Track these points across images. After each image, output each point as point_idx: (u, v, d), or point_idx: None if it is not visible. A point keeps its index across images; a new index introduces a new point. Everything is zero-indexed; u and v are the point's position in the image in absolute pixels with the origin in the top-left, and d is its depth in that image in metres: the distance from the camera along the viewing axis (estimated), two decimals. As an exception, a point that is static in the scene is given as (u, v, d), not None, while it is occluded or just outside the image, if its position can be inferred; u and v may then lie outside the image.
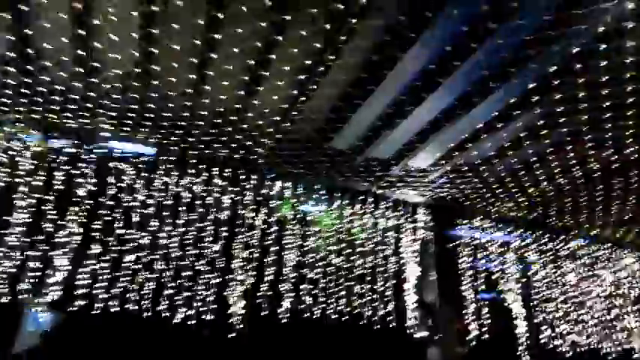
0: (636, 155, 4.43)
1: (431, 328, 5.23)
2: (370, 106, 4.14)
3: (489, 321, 5.37)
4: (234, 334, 4.52)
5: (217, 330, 4.60)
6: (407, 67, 3.57)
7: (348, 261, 5.22)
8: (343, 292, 5.07)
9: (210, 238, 4.75)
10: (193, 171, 5.06)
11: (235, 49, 3.25)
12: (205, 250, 4.64)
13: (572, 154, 4.49)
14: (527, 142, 4.40)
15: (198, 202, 4.92)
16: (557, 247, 6.33)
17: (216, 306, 4.55)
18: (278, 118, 4.17)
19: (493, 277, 5.73)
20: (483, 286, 5.55)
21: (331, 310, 4.98)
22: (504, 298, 5.70)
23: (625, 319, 6.28)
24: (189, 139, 4.58)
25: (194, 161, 5.03)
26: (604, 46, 3.20)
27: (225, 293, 4.63)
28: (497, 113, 4.16)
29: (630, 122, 3.93)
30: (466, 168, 5.10)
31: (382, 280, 5.23)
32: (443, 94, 4.01)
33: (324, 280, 5.04)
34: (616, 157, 4.49)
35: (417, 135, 4.68)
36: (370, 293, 5.12)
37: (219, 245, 4.74)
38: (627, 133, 4.07)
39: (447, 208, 5.82)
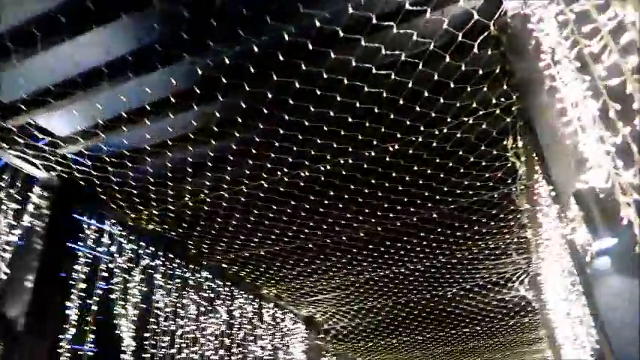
0: (282, 188, 4.39)
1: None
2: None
3: (91, 354, 4.09)
4: None
5: None
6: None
7: None
8: None
9: None
10: None
11: None
12: None
13: (245, 164, 4.06)
14: (209, 136, 3.74)
15: None
16: (186, 276, 5.73)
17: None
18: None
19: (111, 296, 4.54)
20: (95, 307, 4.27)
21: None
22: (118, 325, 4.54)
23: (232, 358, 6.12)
24: None
25: None
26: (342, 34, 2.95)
27: None
28: (177, 88, 3.40)
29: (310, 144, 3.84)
30: (118, 152, 4.00)
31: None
32: (109, 35, 3.02)
33: None
34: (266, 184, 4.33)
35: (60, 86, 3.41)
36: None
37: None
38: (303, 150, 3.94)
39: (74, 198, 4.39)
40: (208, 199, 4.62)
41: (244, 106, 3.43)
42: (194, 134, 3.78)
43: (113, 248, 4.70)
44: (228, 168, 4.13)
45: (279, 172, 4.25)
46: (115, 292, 4.64)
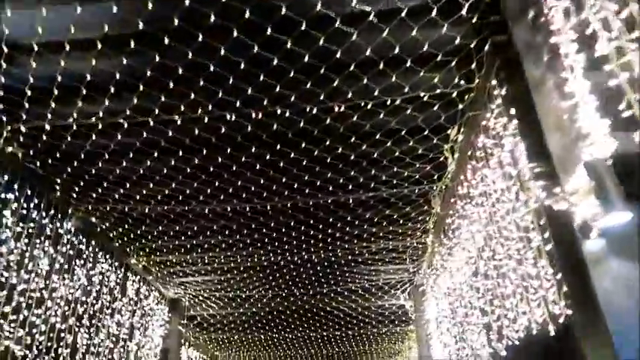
0: (198, 130, 3.74)
1: None
2: None
3: None
4: None
5: None
6: None
7: None
8: None
9: None
10: None
11: None
12: None
13: (165, 87, 3.33)
14: (130, 38, 2.98)
15: None
16: (44, 222, 4.66)
17: None
18: None
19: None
20: None
21: None
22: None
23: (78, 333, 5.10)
24: None
25: None
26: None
27: None
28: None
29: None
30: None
31: None
32: None
33: None
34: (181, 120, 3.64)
35: None
36: None
37: None
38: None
39: None
40: (101, 126, 3.74)
41: (187, 3, 2.75)
42: (112, 33, 2.98)
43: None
44: (142, 88, 3.35)
45: (201, 109, 3.57)
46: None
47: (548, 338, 2.57)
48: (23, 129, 3.80)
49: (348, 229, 5.53)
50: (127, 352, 6.20)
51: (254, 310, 7.94)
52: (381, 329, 8.92)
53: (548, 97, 2.37)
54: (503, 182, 3.35)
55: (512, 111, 2.90)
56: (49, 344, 4.67)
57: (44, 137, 3.87)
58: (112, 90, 3.37)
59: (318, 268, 6.61)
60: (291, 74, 3.28)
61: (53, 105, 3.50)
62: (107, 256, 5.86)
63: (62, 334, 4.86)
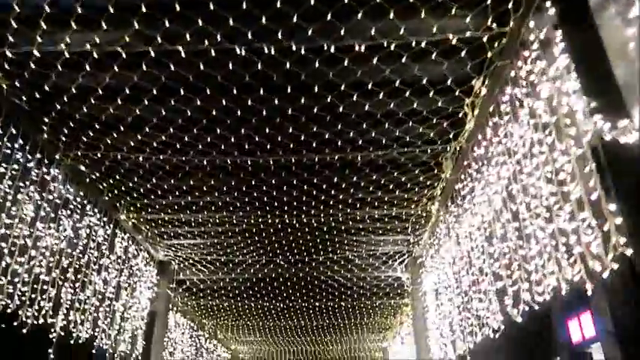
0: (203, 66, 3.43)
1: None
2: None
3: None
4: None
5: None
6: None
7: None
8: None
9: None
10: None
11: None
12: None
13: (171, 11, 3.01)
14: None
15: None
16: (30, 166, 4.34)
17: None
18: None
19: None
20: None
21: None
22: None
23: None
24: None
25: None
26: None
27: None
28: None
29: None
30: None
31: None
32: None
33: None
34: (185, 51, 3.32)
35: None
36: None
37: None
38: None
39: None
40: (96, 55, 3.41)
41: None
42: None
43: None
44: (144, 10, 3.02)
45: (208, 40, 3.25)
46: None
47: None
48: (9, 54, 3.44)
49: (352, 191, 5.29)
50: (112, 311, 5.95)
51: (246, 276, 7.70)
52: (375, 301, 8.77)
53: (611, 25, 2.11)
54: (535, 134, 3.11)
55: (557, 50, 2.64)
56: (33, 296, 4.40)
57: (32, 66, 3.52)
58: (112, 10, 3.04)
59: (317, 233, 6.37)
60: (312, 2, 2.98)
61: (44, 26, 3.17)
62: (95, 210, 5.56)
63: (45, 287, 4.58)
